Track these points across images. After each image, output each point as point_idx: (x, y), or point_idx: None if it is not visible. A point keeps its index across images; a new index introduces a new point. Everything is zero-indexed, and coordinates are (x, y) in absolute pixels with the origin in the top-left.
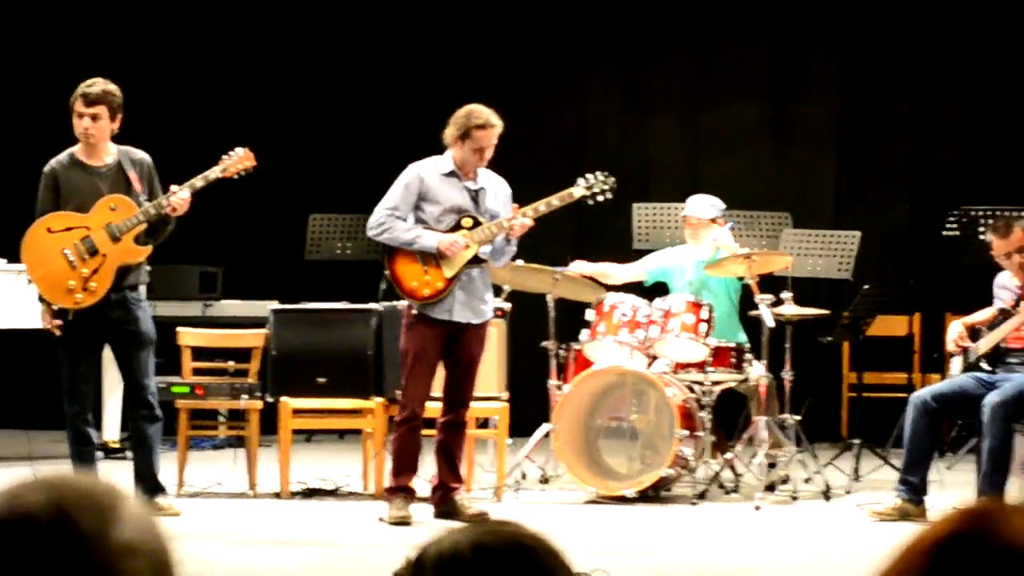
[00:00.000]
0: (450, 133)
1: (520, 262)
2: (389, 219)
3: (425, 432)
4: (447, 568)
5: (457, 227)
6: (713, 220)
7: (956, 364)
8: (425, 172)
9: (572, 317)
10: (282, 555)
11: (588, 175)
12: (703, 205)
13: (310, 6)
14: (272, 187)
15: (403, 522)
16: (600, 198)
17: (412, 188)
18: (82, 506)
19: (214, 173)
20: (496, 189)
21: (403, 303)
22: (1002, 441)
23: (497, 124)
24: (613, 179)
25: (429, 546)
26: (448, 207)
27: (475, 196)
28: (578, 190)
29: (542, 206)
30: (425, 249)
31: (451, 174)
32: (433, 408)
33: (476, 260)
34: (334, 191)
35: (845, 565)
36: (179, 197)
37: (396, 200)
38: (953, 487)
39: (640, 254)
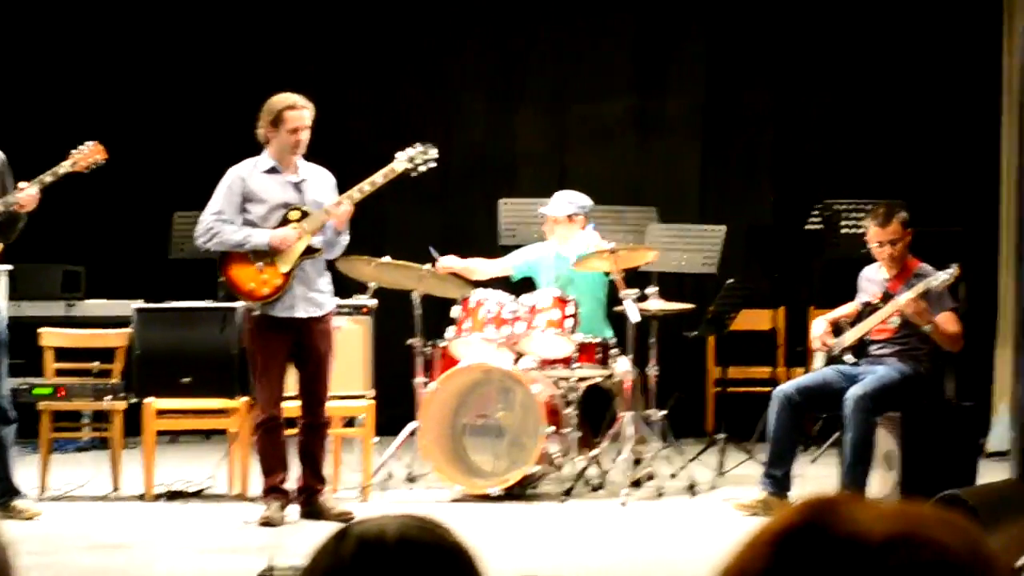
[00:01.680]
0: (262, 126)
1: (387, 258)
2: (217, 224)
3: (289, 432)
4: (367, 551)
5: (285, 221)
6: (570, 217)
7: (820, 357)
8: (245, 173)
9: (438, 314)
10: (146, 558)
11: (408, 148)
12: (559, 203)
13: (172, 2)
14: (136, 185)
15: (269, 523)
16: (423, 168)
17: (235, 190)
18: None
19: (63, 167)
20: (319, 179)
21: (241, 304)
22: (864, 434)
23: (308, 105)
24: (435, 149)
25: (355, 525)
26: (273, 204)
27: (298, 187)
28: (400, 164)
29: (366, 186)
30: (257, 248)
31: (271, 170)
32: (293, 408)
33: (310, 251)
34: (199, 189)
35: (711, 560)
36: (27, 193)
37: (220, 204)
38: (817, 480)
39: (507, 250)
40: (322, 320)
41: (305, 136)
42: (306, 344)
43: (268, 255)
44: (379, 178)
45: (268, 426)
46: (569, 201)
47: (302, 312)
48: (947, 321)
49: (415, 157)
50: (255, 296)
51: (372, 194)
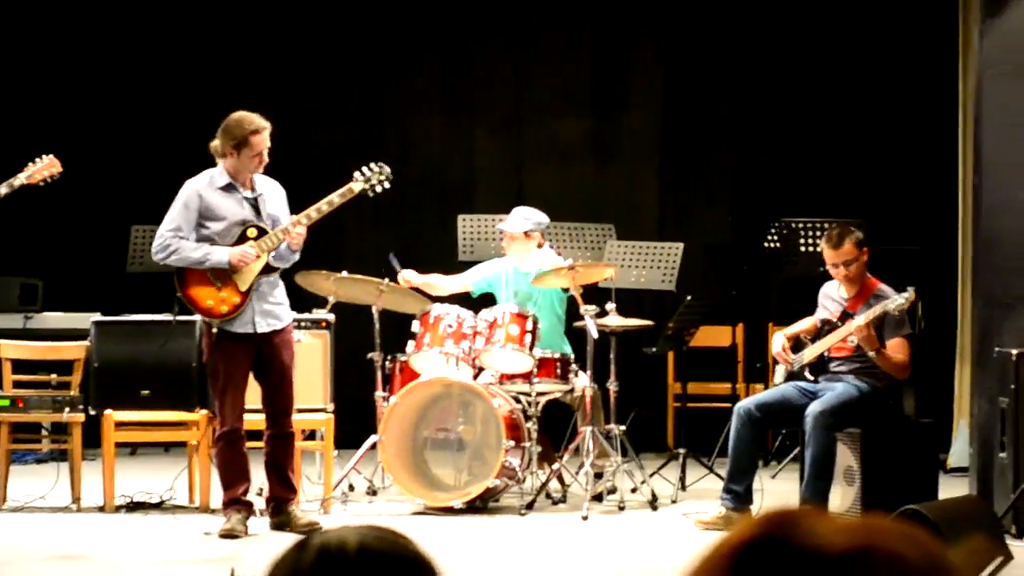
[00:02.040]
0: (223, 144)
1: (344, 273)
2: (175, 240)
3: (251, 444)
4: (328, 561)
5: (243, 238)
6: (527, 233)
7: (780, 372)
8: (202, 188)
9: (397, 328)
10: (107, 569)
11: (364, 168)
12: (516, 219)
13: (126, 15)
14: (93, 198)
15: (231, 535)
16: (379, 188)
17: (192, 206)
18: None
19: (19, 180)
20: (273, 193)
21: (199, 318)
22: (825, 449)
23: (268, 125)
24: (388, 169)
25: (316, 535)
26: (232, 221)
27: (255, 204)
28: (357, 184)
29: (324, 206)
30: (217, 265)
31: (228, 187)
32: (255, 420)
33: (267, 269)
34: (156, 202)
35: (672, 573)
36: None
37: (178, 220)
38: (778, 495)
39: (465, 266)
40: (282, 332)
41: (266, 156)
42: (268, 356)
43: (227, 273)
44: (336, 198)
45: (230, 438)
46: (525, 217)
47: (263, 327)
48: (897, 349)
49: (371, 177)
50: (214, 314)
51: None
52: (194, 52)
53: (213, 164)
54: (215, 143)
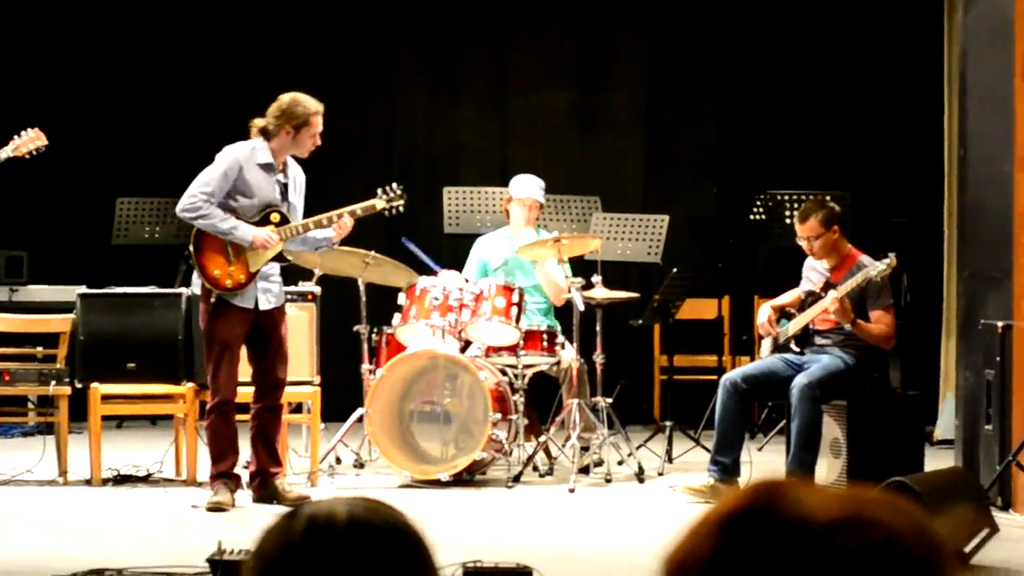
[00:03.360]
0: (278, 122)
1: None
2: (206, 205)
3: (240, 417)
4: (317, 532)
5: (265, 221)
6: (539, 204)
7: (767, 344)
8: (244, 160)
9: (384, 301)
10: (93, 542)
11: (387, 187)
12: (532, 187)
13: None
14: (79, 170)
15: (219, 508)
16: (395, 212)
17: (230, 176)
18: None
19: (5, 153)
20: (298, 181)
21: (197, 287)
22: (810, 421)
23: (323, 108)
24: (406, 195)
25: (306, 506)
26: (261, 201)
27: (284, 190)
28: (380, 202)
29: (347, 215)
30: (239, 241)
31: (267, 166)
32: (244, 393)
33: (280, 257)
34: (142, 174)
35: (659, 545)
36: None
37: (214, 185)
38: (764, 467)
39: (451, 238)
40: (280, 308)
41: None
42: (265, 330)
43: (241, 250)
44: (359, 210)
45: (222, 409)
46: (540, 186)
47: (265, 304)
48: (878, 319)
49: (393, 199)
50: (218, 284)
51: (316, 185)
52: (179, 25)
53: (197, 135)
54: (261, 121)
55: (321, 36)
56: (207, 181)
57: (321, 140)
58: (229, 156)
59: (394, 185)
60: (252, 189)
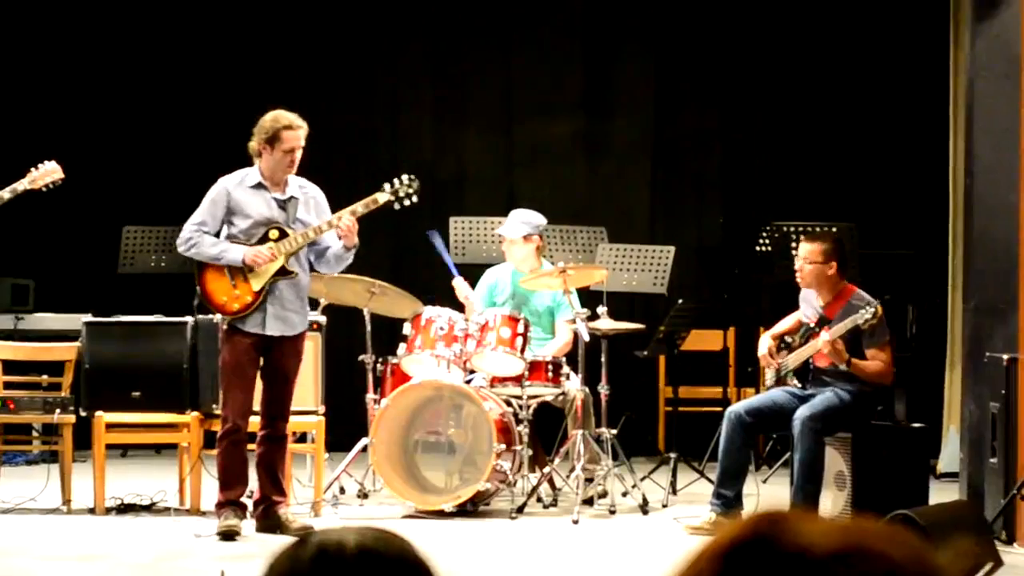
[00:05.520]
0: (256, 142)
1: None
2: (196, 234)
3: (251, 446)
4: (326, 561)
5: (265, 239)
6: (525, 237)
7: (771, 374)
8: (232, 186)
9: (389, 331)
10: (96, 570)
11: (394, 179)
12: (514, 223)
13: (120, 17)
14: (85, 199)
15: (231, 531)
16: (406, 202)
17: (219, 203)
18: None
19: (22, 185)
20: (309, 197)
21: (218, 316)
22: (813, 454)
23: (303, 125)
24: (417, 182)
25: (315, 534)
26: (257, 220)
27: (283, 206)
28: (383, 196)
29: (347, 215)
30: (231, 263)
31: (258, 186)
32: (255, 422)
33: (284, 272)
34: (148, 203)
35: None
36: None
37: (204, 215)
38: (768, 500)
39: (457, 268)
40: (295, 338)
41: (298, 156)
42: (274, 359)
43: (242, 271)
44: (360, 208)
45: (233, 438)
46: (523, 221)
47: (273, 330)
48: (873, 356)
49: (399, 189)
50: (226, 311)
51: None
52: (186, 54)
53: (206, 164)
54: (251, 142)
55: (326, 63)
56: (198, 213)
57: (296, 158)
58: (217, 185)
59: (404, 177)
60: (245, 209)
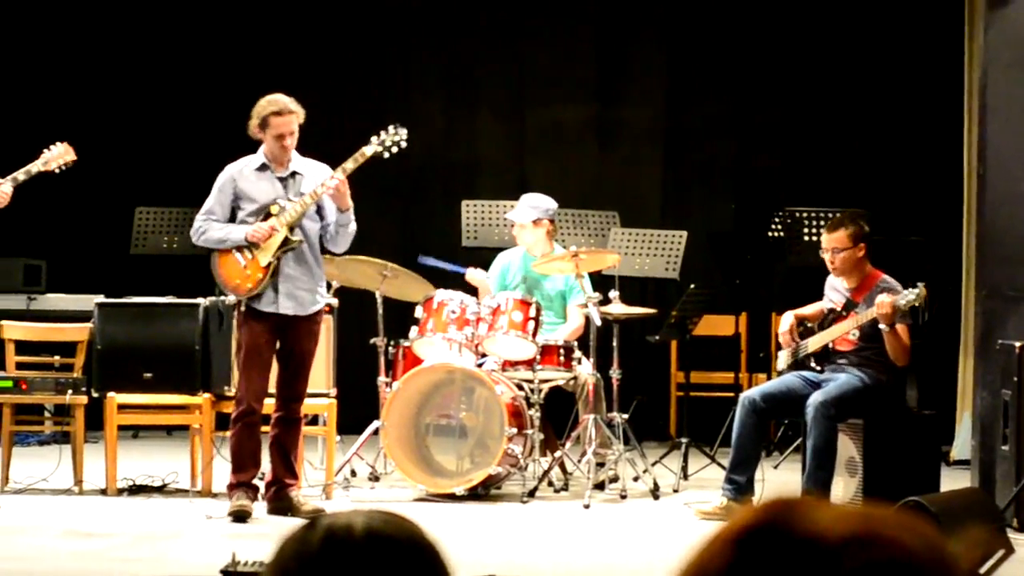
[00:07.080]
0: (252, 125)
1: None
2: (205, 223)
3: (265, 428)
4: (335, 543)
5: (268, 216)
6: (535, 222)
7: (783, 357)
8: (237, 172)
9: (401, 313)
10: (108, 550)
11: (380, 131)
12: (523, 208)
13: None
14: (98, 179)
15: (242, 512)
16: (394, 149)
17: (226, 190)
18: None
19: (36, 167)
20: (312, 173)
21: (232, 298)
22: (826, 440)
23: (296, 111)
24: (404, 130)
25: (324, 517)
26: (263, 202)
27: (284, 182)
28: (370, 148)
29: (339, 173)
30: (236, 243)
31: (263, 167)
32: (270, 404)
33: (287, 243)
34: (160, 184)
35: (673, 562)
36: (1, 191)
37: (211, 204)
38: (779, 486)
39: (469, 251)
40: (309, 319)
41: (290, 142)
42: (290, 340)
43: (249, 250)
44: (349, 164)
45: (247, 420)
46: (532, 206)
47: (286, 309)
48: (904, 333)
49: (385, 140)
50: (240, 291)
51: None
52: (199, 36)
53: (217, 146)
54: (250, 127)
55: (338, 46)
56: (207, 202)
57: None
58: (223, 173)
59: (389, 127)
60: (251, 193)
